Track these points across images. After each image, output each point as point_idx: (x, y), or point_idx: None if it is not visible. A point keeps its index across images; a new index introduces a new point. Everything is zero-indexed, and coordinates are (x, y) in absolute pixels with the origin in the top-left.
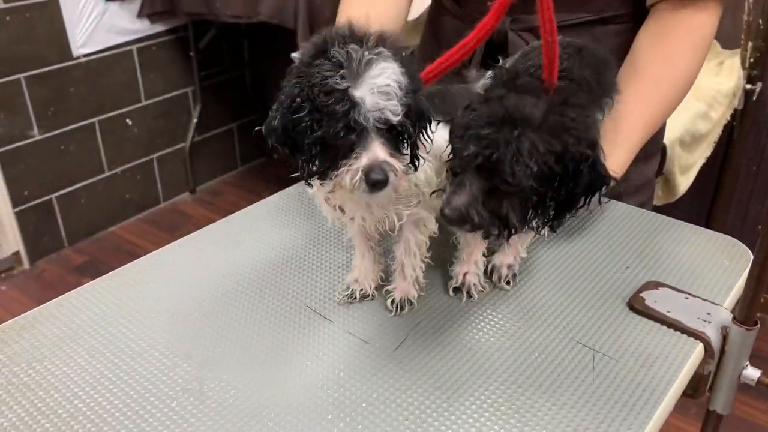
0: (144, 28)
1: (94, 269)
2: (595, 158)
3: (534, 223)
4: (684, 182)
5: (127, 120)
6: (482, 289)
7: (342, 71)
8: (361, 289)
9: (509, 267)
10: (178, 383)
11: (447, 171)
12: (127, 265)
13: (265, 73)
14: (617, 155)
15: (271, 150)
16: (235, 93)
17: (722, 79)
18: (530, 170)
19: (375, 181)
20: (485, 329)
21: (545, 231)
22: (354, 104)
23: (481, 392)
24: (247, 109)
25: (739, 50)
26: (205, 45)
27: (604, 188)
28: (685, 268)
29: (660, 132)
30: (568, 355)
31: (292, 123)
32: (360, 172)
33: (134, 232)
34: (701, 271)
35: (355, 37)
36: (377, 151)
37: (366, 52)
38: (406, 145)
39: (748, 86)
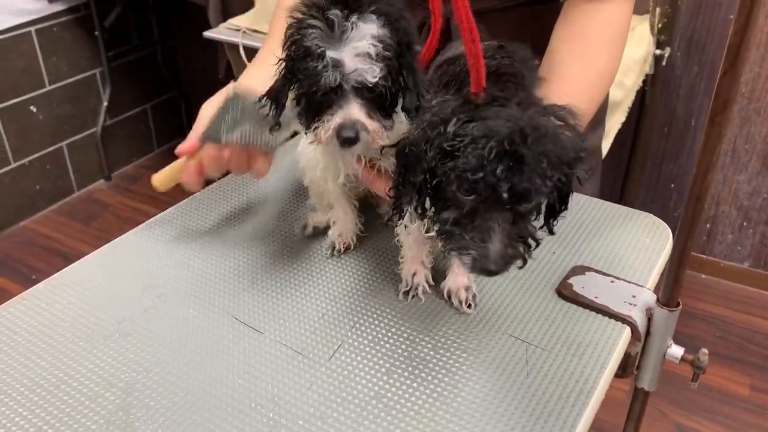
0: (42, 7)
1: (7, 267)
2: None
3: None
4: (603, 148)
5: (31, 107)
6: (429, 289)
7: (320, 33)
8: (344, 242)
9: (467, 289)
10: (101, 415)
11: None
12: (37, 285)
13: (176, 50)
14: None
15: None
16: (146, 72)
17: (633, 46)
18: (550, 183)
19: (345, 139)
20: (420, 329)
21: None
22: (330, 66)
23: (417, 397)
24: (160, 88)
25: (648, 15)
26: (111, 23)
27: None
28: (609, 250)
29: (605, 100)
30: (502, 350)
31: (281, 83)
32: (332, 130)
33: (48, 225)
34: (624, 252)
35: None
36: (352, 110)
37: (349, 15)
38: (389, 105)
39: (658, 51)
